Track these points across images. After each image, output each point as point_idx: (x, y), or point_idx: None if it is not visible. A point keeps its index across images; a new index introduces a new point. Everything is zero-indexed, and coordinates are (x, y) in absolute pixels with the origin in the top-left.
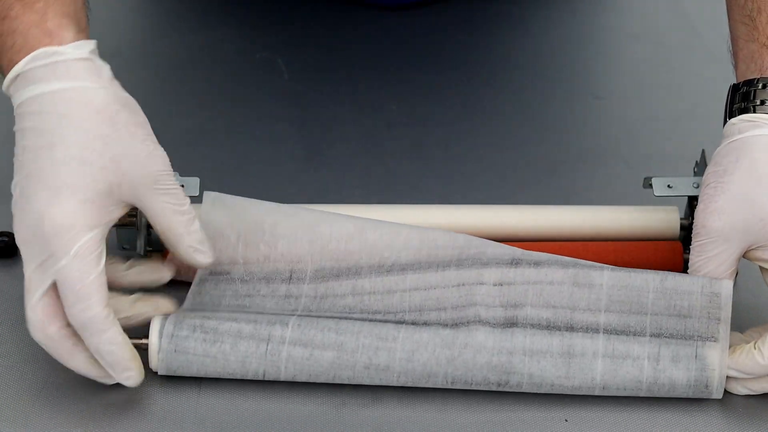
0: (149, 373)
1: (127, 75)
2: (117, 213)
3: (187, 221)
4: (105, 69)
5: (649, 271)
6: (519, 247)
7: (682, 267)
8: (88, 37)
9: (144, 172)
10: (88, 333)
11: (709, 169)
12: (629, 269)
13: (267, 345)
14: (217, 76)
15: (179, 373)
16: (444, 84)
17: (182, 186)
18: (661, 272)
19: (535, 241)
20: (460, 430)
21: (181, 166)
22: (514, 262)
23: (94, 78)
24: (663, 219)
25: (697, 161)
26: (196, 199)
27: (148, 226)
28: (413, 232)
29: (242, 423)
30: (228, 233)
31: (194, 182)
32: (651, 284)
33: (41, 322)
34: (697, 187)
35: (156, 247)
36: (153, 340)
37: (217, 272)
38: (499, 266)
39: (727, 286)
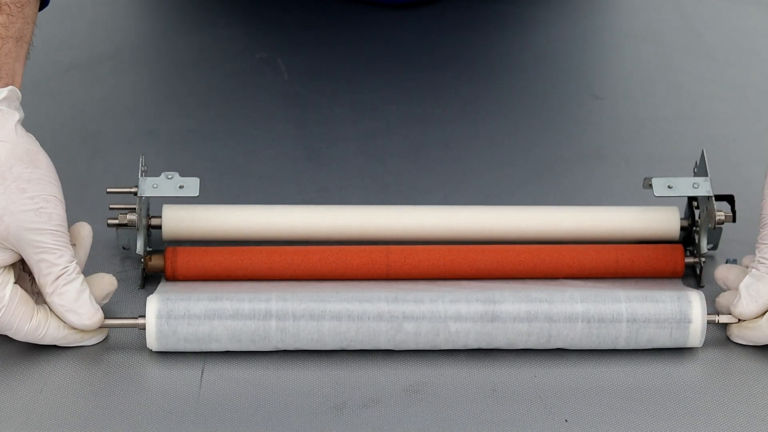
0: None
1: (128, 75)
2: (8, 257)
3: (60, 282)
4: (12, 118)
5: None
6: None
7: (683, 270)
8: (7, 82)
9: (24, 227)
10: (34, 340)
11: None
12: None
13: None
14: (217, 76)
15: (176, 349)
16: (444, 84)
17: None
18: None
19: (535, 243)
20: (459, 430)
21: (181, 166)
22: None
23: None
24: (663, 219)
25: (697, 161)
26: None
27: (149, 226)
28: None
29: (242, 423)
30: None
31: (194, 182)
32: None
33: None
34: (698, 187)
35: (156, 247)
36: (150, 320)
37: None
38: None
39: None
